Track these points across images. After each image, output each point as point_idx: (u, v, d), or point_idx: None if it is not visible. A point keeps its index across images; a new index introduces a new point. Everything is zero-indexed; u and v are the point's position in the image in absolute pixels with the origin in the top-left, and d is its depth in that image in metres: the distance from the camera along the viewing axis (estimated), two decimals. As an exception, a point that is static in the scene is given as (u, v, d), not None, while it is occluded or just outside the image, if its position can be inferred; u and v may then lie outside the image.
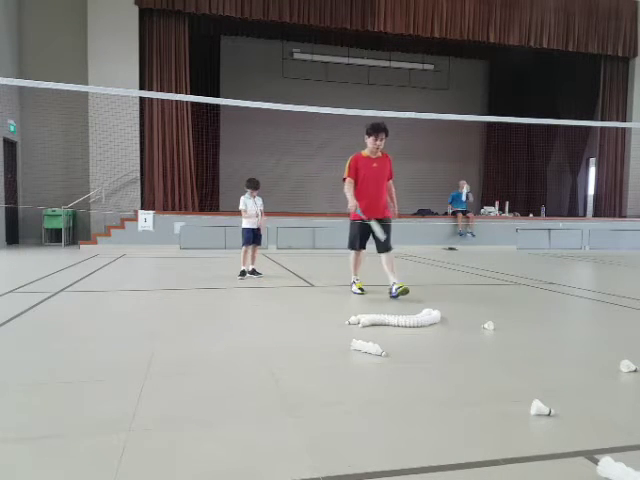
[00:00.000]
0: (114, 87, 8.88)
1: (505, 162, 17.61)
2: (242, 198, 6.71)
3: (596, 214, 15.22)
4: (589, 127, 15.42)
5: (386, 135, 5.32)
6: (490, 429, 2.15)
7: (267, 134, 16.30)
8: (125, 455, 1.86)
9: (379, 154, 5.43)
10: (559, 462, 1.88)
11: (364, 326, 3.91)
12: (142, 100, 12.01)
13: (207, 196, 14.56)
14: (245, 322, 4.36)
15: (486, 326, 3.93)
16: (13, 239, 11.78)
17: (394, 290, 5.16)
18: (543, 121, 10.27)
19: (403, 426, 2.17)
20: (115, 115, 11.73)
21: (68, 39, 12.21)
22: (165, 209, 11.93)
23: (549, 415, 2.25)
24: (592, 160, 16.53)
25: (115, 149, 11.86)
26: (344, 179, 5.48)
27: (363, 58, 16.69)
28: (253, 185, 6.75)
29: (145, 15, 11.96)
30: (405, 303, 4.98)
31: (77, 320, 4.20)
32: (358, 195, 5.36)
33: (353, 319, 4.02)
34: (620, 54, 14.42)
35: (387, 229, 5.36)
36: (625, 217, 14.47)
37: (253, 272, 6.79)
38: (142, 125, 12.16)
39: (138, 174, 12.13)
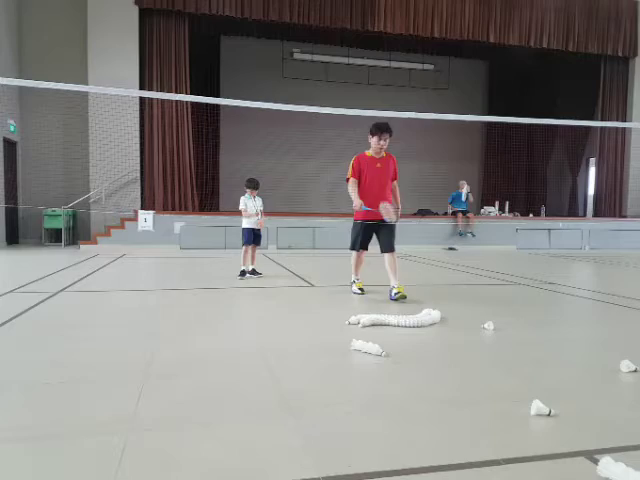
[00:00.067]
0: (114, 87, 8.87)
1: (505, 162, 17.60)
2: (242, 198, 6.72)
3: (596, 214, 15.22)
4: (589, 127, 15.41)
5: (390, 135, 5.28)
6: (490, 429, 2.15)
7: (267, 134, 16.31)
8: (125, 455, 1.86)
9: (383, 154, 5.40)
10: (559, 462, 1.88)
11: (364, 326, 3.91)
12: (142, 100, 12.01)
13: (207, 196, 14.55)
14: (245, 322, 4.36)
15: (486, 326, 3.93)
16: (13, 239, 11.78)
17: (393, 294, 5.15)
18: (543, 121, 10.26)
19: (403, 426, 2.17)
20: (115, 115, 11.73)
21: (68, 39, 12.21)
22: (165, 209, 11.93)
23: (549, 415, 2.25)
24: (592, 160, 16.53)
25: (115, 149, 11.86)
26: (347, 179, 5.44)
27: (363, 58, 16.69)
28: (253, 185, 6.76)
29: (145, 15, 11.95)
30: (405, 303, 4.98)
31: (77, 320, 4.20)
32: (361, 195, 5.32)
33: (353, 319, 4.02)
34: (620, 54, 14.42)
35: (391, 230, 5.34)
36: (625, 217, 14.47)
37: (253, 272, 6.80)
38: (142, 125, 12.16)
39: (138, 174, 12.13)
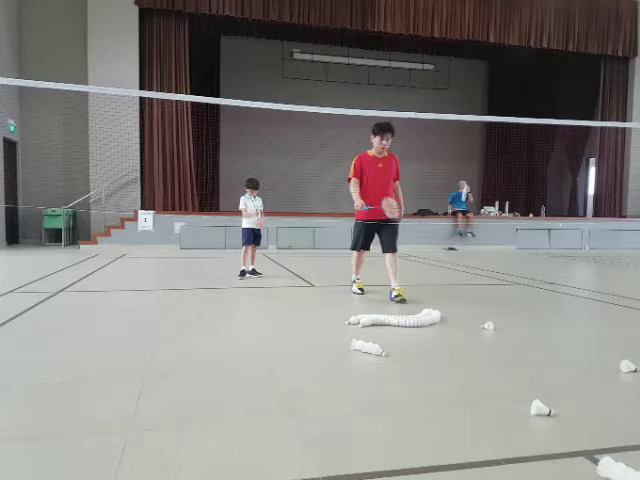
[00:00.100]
0: (114, 87, 8.86)
1: (505, 162, 17.60)
2: (242, 198, 6.72)
3: (596, 214, 15.22)
4: (589, 127, 15.41)
5: (392, 135, 5.24)
6: (490, 429, 2.15)
7: (267, 134, 16.31)
8: (125, 455, 1.86)
9: (385, 154, 5.36)
10: (559, 462, 1.88)
11: (364, 326, 3.91)
12: (142, 100, 12.01)
13: (207, 196, 14.56)
14: (245, 322, 4.36)
15: (486, 326, 3.93)
16: (13, 239, 11.78)
17: (392, 296, 5.14)
18: (543, 121, 10.25)
19: (403, 426, 2.17)
20: (115, 115, 11.73)
21: (68, 39, 12.21)
22: (165, 209, 11.93)
23: (549, 415, 2.25)
24: (592, 160, 16.53)
25: (115, 149, 11.86)
26: (349, 179, 5.41)
27: (363, 58, 16.69)
28: (253, 185, 6.76)
29: (145, 15, 11.95)
30: (405, 304, 4.97)
31: (77, 320, 4.20)
32: (363, 195, 5.29)
33: (353, 319, 4.02)
34: (620, 54, 14.41)
35: (394, 230, 5.31)
36: (625, 217, 14.46)
37: (253, 272, 6.80)
38: (142, 125, 12.16)
39: (138, 174, 12.13)
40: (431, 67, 17.14)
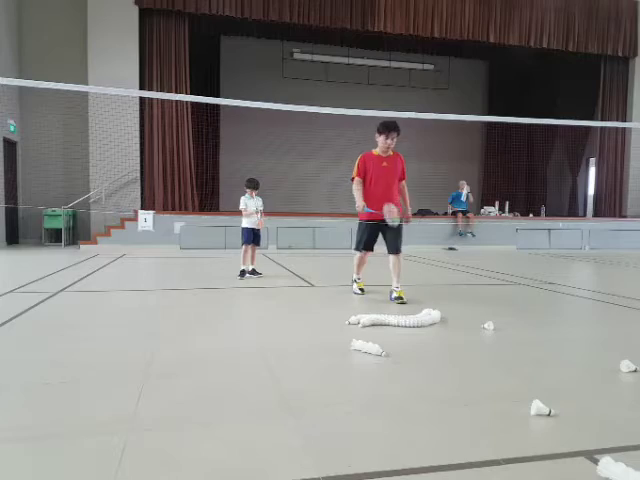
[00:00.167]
0: (114, 87, 8.86)
1: (505, 162, 17.60)
2: (242, 198, 6.72)
3: (596, 214, 15.22)
4: (589, 127, 15.41)
5: (398, 134, 5.17)
6: (490, 429, 2.15)
7: (267, 134, 16.31)
8: (125, 455, 1.86)
9: (390, 153, 5.29)
10: (559, 462, 1.88)
11: (364, 326, 3.91)
12: (142, 100, 12.00)
13: (207, 196, 14.56)
14: (245, 322, 4.36)
15: (486, 326, 3.93)
16: (13, 239, 11.78)
17: (392, 297, 5.13)
18: (543, 121, 10.25)
19: (403, 426, 2.17)
20: (115, 115, 11.73)
21: (68, 39, 12.21)
22: (165, 209, 11.93)
23: (549, 415, 2.25)
24: (592, 160, 16.53)
25: (115, 149, 11.86)
26: (352, 178, 5.34)
27: (363, 58, 16.69)
28: (253, 185, 6.76)
29: (145, 15, 11.95)
30: (405, 304, 4.97)
31: (77, 320, 4.20)
32: (367, 195, 5.23)
33: (353, 319, 4.02)
34: (620, 54, 14.41)
35: (398, 231, 5.25)
36: (625, 217, 14.46)
37: (253, 272, 6.80)
38: (142, 125, 12.16)
39: (138, 174, 12.13)
40: (431, 67, 17.14)
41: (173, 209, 12.07)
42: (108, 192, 11.88)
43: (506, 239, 12.83)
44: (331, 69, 16.61)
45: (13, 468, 1.80)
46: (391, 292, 5.18)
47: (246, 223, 6.76)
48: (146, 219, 11.18)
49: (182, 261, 8.99)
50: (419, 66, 17.01)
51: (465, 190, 12.94)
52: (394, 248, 5.24)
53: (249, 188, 6.74)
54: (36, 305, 4.63)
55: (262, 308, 4.91)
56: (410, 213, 5.51)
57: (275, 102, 7.13)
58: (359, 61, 16.74)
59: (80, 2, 12.05)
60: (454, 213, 13.02)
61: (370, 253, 5.51)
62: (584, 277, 8.41)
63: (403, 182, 5.44)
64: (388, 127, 5.14)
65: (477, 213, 14.28)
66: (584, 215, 16.42)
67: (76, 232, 12.29)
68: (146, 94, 10.99)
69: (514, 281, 6.86)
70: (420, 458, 1.88)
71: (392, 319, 4.00)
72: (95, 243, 11.05)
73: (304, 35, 14.86)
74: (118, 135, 11.85)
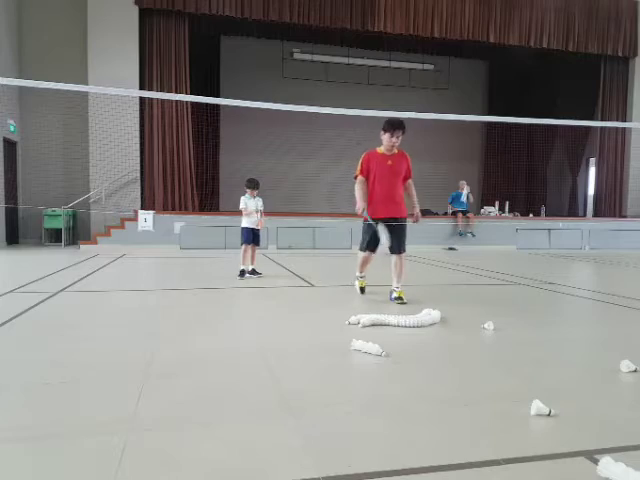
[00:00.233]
0: (114, 87, 8.86)
1: (505, 162, 17.60)
2: (242, 198, 6.72)
3: (596, 214, 15.22)
4: (589, 127, 15.40)
5: (403, 132, 5.12)
6: (490, 429, 2.15)
7: (267, 134, 16.31)
8: (125, 455, 1.86)
9: (395, 151, 5.23)
10: (559, 462, 1.88)
11: (364, 326, 3.91)
12: (142, 100, 12.00)
13: (207, 196, 14.56)
14: (245, 322, 4.36)
15: (486, 326, 3.93)
16: (13, 239, 11.78)
17: (392, 297, 5.13)
18: (543, 121, 10.25)
19: (403, 426, 2.17)
20: (115, 115, 11.73)
21: (68, 39, 12.21)
22: (165, 209, 11.93)
23: (549, 415, 2.25)
24: (592, 160, 16.53)
25: (115, 149, 11.86)
26: (355, 177, 5.28)
27: (363, 58, 16.69)
28: (253, 185, 6.76)
29: (145, 15, 11.95)
30: (405, 304, 4.97)
31: (77, 320, 4.20)
32: (370, 193, 5.18)
33: (353, 319, 4.02)
34: (620, 54, 14.41)
35: (402, 231, 5.22)
36: (625, 217, 14.46)
37: (253, 272, 6.79)
38: (142, 125, 12.16)
39: (138, 174, 12.13)
40: (431, 67, 17.14)
41: (173, 209, 12.07)
42: (108, 192, 11.88)
43: (506, 239, 12.83)
44: (331, 69, 16.61)
45: (13, 468, 1.80)
46: (391, 292, 5.18)
47: (245, 223, 6.76)
48: (146, 219, 11.18)
49: (182, 261, 8.99)
50: (419, 66, 17.01)
51: (465, 190, 12.94)
52: (396, 248, 5.20)
53: (249, 188, 6.74)
54: (36, 305, 4.63)
55: (262, 308, 4.91)
56: (418, 211, 5.37)
57: (275, 102, 7.13)
58: (359, 61, 16.74)
59: (80, 2, 12.05)
60: (454, 213, 13.02)
61: (374, 254, 5.46)
62: (584, 277, 8.41)
63: (409, 181, 5.35)
64: (393, 125, 5.08)
65: (477, 213, 14.28)
66: (584, 215, 16.42)
67: (76, 232, 12.29)
68: (146, 94, 10.99)
69: (514, 281, 6.86)
70: (420, 458, 1.88)
71: (392, 319, 4.00)
72: (95, 243, 11.05)
73: (304, 35, 14.86)
74: (118, 135, 11.85)
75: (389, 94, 16.52)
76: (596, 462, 1.82)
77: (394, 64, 16.92)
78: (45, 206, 11.58)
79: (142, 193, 12.25)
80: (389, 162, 5.18)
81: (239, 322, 4.36)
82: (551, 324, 4.32)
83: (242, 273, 6.68)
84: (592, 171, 16.56)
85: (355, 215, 5.43)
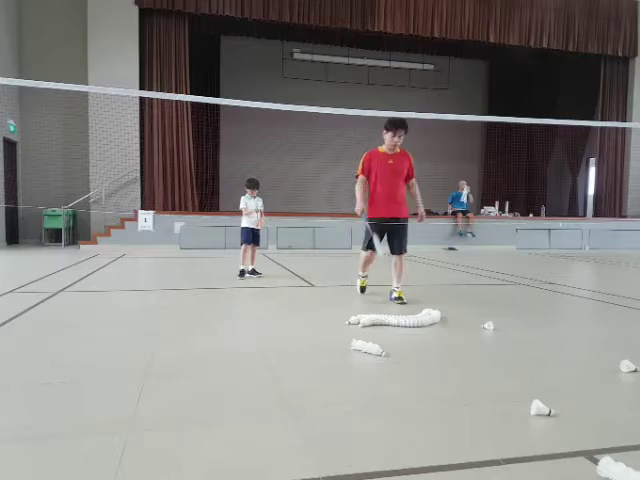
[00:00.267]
0: (114, 87, 8.85)
1: (505, 162, 17.60)
2: (242, 198, 6.72)
3: (596, 214, 15.21)
4: (589, 127, 15.40)
5: (405, 132, 5.09)
6: (490, 429, 2.15)
7: (267, 134, 16.31)
8: (125, 455, 1.86)
9: (397, 150, 5.19)
10: (559, 462, 1.88)
11: (364, 326, 3.91)
12: (142, 100, 12.00)
13: (207, 196, 14.56)
14: (245, 322, 4.36)
15: (486, 326, 3.93)
16: (13, 239, 11.78)
17: (392, 297, 5.12)
18: (543, 121, 10.23)
19: (403, 426, 2.17)
20: (115, 115, 11.73)
21: (68, 39, 12.21)
22: (165, 209, 11.93)
23: (549, 415, 2.25)
24: (592, 160, 16.53)
25: (115, 149, 11.86)
26: (357, 176, 5.25)
27: (363, 58, 16.69)
28: (253, 185, 6.76)
29: (145, 15, 11.95)
30: (405, 304, 4.97)
31: (77, 320, 4.20)
32: (371, 193, 5.16)
33: (353, 319, 4.02)
34: (620, 54, 14.41)
35: (403, 231, 5.21)
36: (625, 217, 14.46)
37: (253, 272, 6.79)
38: (142, 125, 12.16)
39: (138, 174, 12.13)
40: (431, 67, 17.13)
41: (173, 209, 12.07)
42: (108, 192, 11.88)
43: (506, 239, 12.82)
44: (331, 69, 16.61)
45: (13, 468, 1.80)
46: (391, 292, 5.18)
47: (245, 223, 6.76)
48: (146, 219, 11.18)
49: (182, 261, 8.99)
50: (419, 66, 17.01)
51: (465, 190, 12.94)
52: (397, 249, 5.20)
53: (249, 188, 6.74)
54: (36, 305, 4.63)
55: (262, 308, 4.91)
56: (423, 211, 5.34)
57: (275, 102, 7.11)
58: (359, 61, 16.74)
59: (80, 2, 12.05)
60: (454, 213, 13.02)
61: (376, 254, 5.45)
62: (584, 277, 8.41)
63: (413, 180, 5.32)
64: (395, 124, 5.06)
65: (477, 213, 14.28)
66: (584, 215, 16.42)
67: (76, 232, 12.29)
68: (146, 94, 10.99)
69: (514, 281, 6.86)
70: (420, 458, 1.88)
71: (392, 319, 4.00)
72: (95, 243, 11.05)
73: (304, 35, 14.86)
74: (118, 135, 11.85)
75: (389, 94, 16.52)
76: (596, 462, 1.82)
77: (394, 64, 16.91)
78: (45, 206, 11.57)
79: (142, 193, 12.25)
80: (390, 161, 5.15)
81: (239, 322, 4.36)
82: (551, 324, 4.32)
83: (242, 273, 6.68)
84: (592, 171, 16.56)
85: (355, 215, 5.42)
